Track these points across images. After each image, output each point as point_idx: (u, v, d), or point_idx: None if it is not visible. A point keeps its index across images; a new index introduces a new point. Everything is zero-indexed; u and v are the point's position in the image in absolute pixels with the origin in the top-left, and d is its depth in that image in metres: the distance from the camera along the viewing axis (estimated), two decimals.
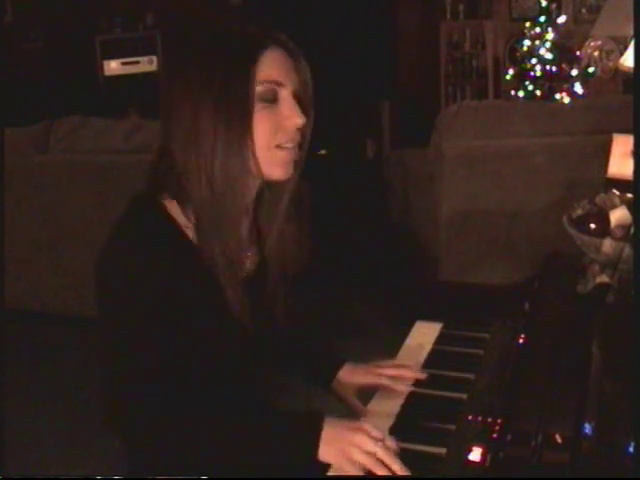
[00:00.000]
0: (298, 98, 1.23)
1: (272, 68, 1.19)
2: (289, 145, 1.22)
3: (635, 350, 1.11)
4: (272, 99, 1.20)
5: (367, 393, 1.45)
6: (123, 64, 6.83)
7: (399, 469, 1.13)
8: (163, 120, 1.23)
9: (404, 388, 1.40)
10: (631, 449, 0.97)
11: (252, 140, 1.18)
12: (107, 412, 1.21)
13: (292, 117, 1.21)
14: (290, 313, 1.42)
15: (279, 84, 1.20)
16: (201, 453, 1.19)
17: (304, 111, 1.24)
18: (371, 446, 1.14)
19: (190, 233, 1.23)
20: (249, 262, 1.32)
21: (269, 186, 1.28)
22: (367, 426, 1.18)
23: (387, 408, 1.36)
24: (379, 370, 1.44)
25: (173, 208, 1.23)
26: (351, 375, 1.46)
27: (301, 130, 1.24)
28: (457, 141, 3.38)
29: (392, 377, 1.42)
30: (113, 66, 6.86)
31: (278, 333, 1.49)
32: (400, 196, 4.13)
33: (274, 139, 1.21)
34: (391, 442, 1.16)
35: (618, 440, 1.04)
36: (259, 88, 1.18)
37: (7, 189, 3.66)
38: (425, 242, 3.65)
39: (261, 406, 1.42)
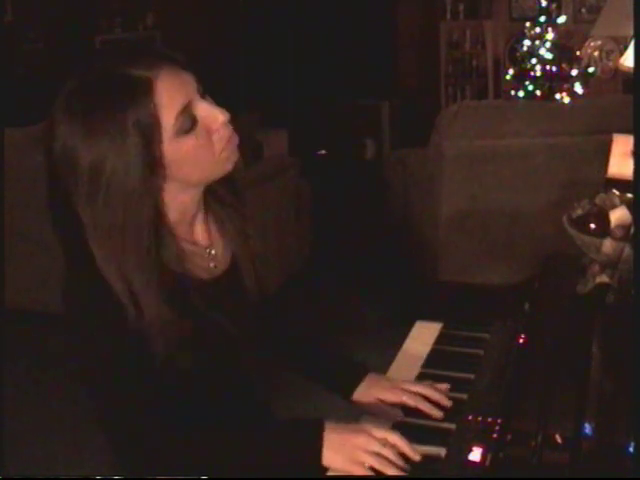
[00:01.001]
0: (206, 96, 1.19)
1: (169, 98, 1.11)
2: (228, 146, 1.19)
3: (635, 350, 1.11)
4: (192, 123, 1.14)
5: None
6: None
7: (403, 466, 1.13)
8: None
9: (429, 410, 1.31)
10: (631, 449, 0.97)
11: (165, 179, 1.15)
12: (106, 431, 1.20)
13: (215, 118, 1.16)
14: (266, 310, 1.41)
15: (189, 106, 1.14)
16: (201, 465, 1.18)
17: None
18: (376, 446, 1.14)
19: None
20: (212, 263, 1.29)
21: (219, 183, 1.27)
22: (369, 427, 1.18)
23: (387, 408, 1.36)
24: (403, 386, 1.36)
25: None
26: (373, 388, 1.38)
27: (227, 123, 1.19)
28: (457, 141, 3.38)
29: (417, 395, 1.33)
30: None
31: (281, 336, 1.48)
32: (400, 196, 4.13)
33: (215, 148, 1.18)
34: (395, 437, 1.16)
35: (618, 440, 1.04)
36: (176, 124, 1.12)
37: (7, 189, 3.66)
38: (425, 242, 3.65)
39: (261, 414, 1.41)
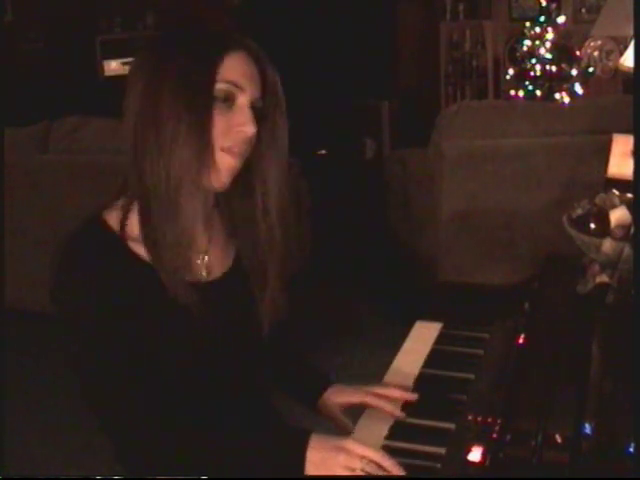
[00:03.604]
0: (255, 108, 1.22)
1: (236, 70, 1.20)
2: (236, 150, 1.20)
3: (635, 350, 1.11)
4: (228, 100, 1.19)
5: (356, 410, 1.41)
6: (123, 64, 6.83)
7: (383, 477, 1.13)
8: (124, 119, 1.22)
9: (392, 410, 1.34)
10: (631, 449, 0.97)
11: (211, 135, 1.18)
12: (98, 420, 1.21)
13: (244, 125, 1.19)
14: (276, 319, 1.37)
15: (239, 87, 1.20)
16: (187, 461, 1.19)
17: (262, 120, 1.23)
18: (357, 463, 1.14)
19: (132, 244, 1.22)
20: (207, 268, 1.29)
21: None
22: (351, 444, 1.17)
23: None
24: (366, 389, 1.41)
25: (113, 220, 1.25)
26: (337, 395, 1.43)
27: (250, 140, 1.22)
28: (457, 141, 3.38)
29: (380, 396, 1.37)
30: (113, 66, 6.85)
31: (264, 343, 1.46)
32: (400, 196, 4.13)
33: (222, 141, 1.19)
34: (376, 454, 1.15)
35: (618, 440, 1.04)
36: (219, 85, 1.18)
37: (7, 189, 3.66)
38: (425, 242, 3.65)
39: (249, 418, 1.40)
